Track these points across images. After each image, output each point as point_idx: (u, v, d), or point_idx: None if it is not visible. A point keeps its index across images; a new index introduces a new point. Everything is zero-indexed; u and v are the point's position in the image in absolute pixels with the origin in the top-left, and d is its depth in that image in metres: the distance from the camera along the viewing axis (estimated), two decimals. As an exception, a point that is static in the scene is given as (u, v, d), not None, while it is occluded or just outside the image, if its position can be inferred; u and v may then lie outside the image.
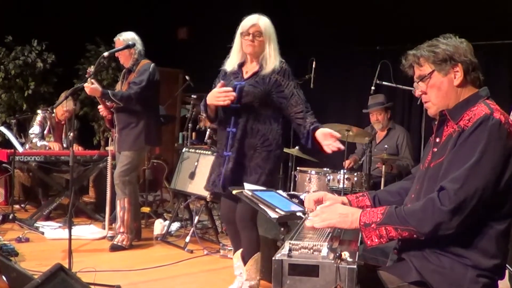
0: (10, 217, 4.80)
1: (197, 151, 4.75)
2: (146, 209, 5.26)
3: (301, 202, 2.15)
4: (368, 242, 1.73)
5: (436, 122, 1.88)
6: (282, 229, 1.97)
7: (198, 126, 5.41)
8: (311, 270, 1.51)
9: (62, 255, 3.88)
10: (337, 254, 1.49)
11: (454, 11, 5.16)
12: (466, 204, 1.62)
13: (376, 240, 1.71)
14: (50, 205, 5.16)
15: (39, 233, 4.61)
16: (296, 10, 6.83)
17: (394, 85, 4.45)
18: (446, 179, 1.68)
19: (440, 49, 1.79)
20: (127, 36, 4.32)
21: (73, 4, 7.14)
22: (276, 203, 2.00)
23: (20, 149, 4.87)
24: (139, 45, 4.38)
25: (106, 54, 3.46)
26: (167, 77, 7.59)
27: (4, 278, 2.61)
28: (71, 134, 3.38)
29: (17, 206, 5.62)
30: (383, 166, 4.56)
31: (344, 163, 4.84)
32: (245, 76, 3.01)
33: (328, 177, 4.69)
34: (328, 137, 2.81)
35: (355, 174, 4.65)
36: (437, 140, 1.85)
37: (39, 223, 4.90)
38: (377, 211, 1.75)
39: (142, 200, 5.45)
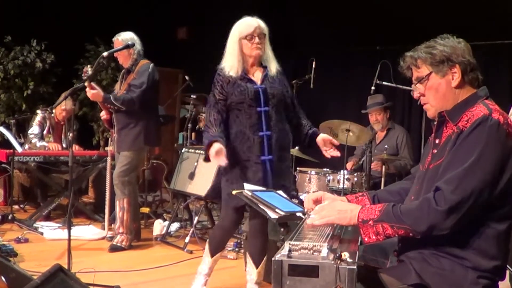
0: (9, 217, 4.80)
1: (196, 151, 4.74)
2: (145, 210, 5.25)
3: (301, 203, 2.14)
4: (366, 239, 1.73)
5: (435, 123, 1.87)
6: (282, 229, 1.96)
7: (197, 126, 5.41)
8: (311, 271, 1.50)
9: (61, 256, 3.87)
10: (337, 255, 1.49)
11: (454, 11, 5.16)
12: (462, 205, 1.62)
13: (374, 237, 1.71)
14: (49, 205, 5.16)
15: (38, 233, 4.60)
16: (295, 10, 6.83)
17: (394, 85, 4.44)
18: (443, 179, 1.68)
19: (437, 50, 1.78)
20: (126, 36, 4.32)
21: (73, 4, 7.14)
22: (276, 203, 1.99)
23: (19, 149, 4.87)
24: (138, 45, 4.37)
25: (105, 54, 3.45)
26: (167, 77, 7.58)
27: (3, 278, 2.60)
28: (71, 134, 3.38)
29: (16, 207, 5.62)
30: (383, 166, 4.56)
31: (346, 164, 4.86)
32: (255, 79, 2.97)
33: (328, 178, 4.69)
34: (327, 143, 3.00)
35: (355, 174, 4.66)
36: (437, 141, 1.85)
37: (38, 224, 4.89)
38: (375, 208, 1.75)
39: (142, 200, 5.44)
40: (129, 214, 4.31)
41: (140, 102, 4.20)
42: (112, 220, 4.63)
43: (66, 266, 2.84)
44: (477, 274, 1.68)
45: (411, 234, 1.68)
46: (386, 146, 4.74)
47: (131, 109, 4.20)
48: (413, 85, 1.89)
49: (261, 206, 1.97)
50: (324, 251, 1.56)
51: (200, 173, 4.54)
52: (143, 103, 4.23)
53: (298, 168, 4.98)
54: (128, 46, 3.97)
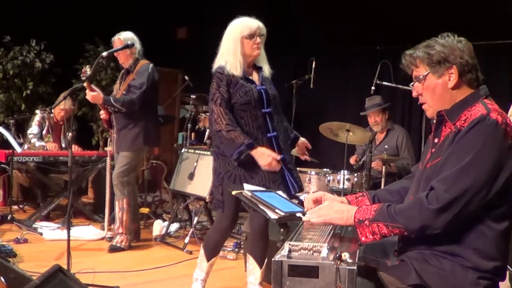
0: (9, 217, 4.79)
1: (196, 151, 4.73)
2: (145, 210, 5.25)
3: (301, 203, 2.14)
4: (363, 239, 1.73)
5: (434, 122, 1.87)
6: (281, 230, 1.95)
7: (197, 126, 5.40)
8: (311, 271, 1.50)
9: (60, 256, 3.87)
10: (337, 255, 1.49)
11: (454, 11, 5.15)
12: (454, 204, 1.62)
13: (370, 236, 1.72)
14: (48, 205, 5.15)
15: (38, 234, 4.60)
16: (295, 10, 6.83)
17: (394, 85, 4.44)
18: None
19: (435, 50, 1.77)
20: (127, 36, 4.32)
21: (72, 4, 7.13)
22: (276, 203, 1.98)
23: (18, 149, 4.86)
24: (138, 45, 4.37)
25: (105, 54, 3.44)
26: (166, 77, 7.58)
27: (2, 279, 2.60)
28: (70, 134, 3.36)
29: (15, 207, 5.61)
30: (383, 166, 4.55)
31: (350, 159, 4.92)
32: (254, 79, 2.95)
33: (328, 178, 4.68)
34: (303, 147, 3.24)
35: (355, 174, 4.65)
36: (436, 140, 1.84)
37: (37, 224, 4.89)
38: (371, 208, 1.76)
39: (141, 200, 5.44)
40: (129, 215, 4.30)
41: (140, 103, 4.19)
42: (112, 220, 4.62)
43: (65, 267, 2.83)
44: (478, 274, 1.67)
45: (405, 233, 1.69)
46: (386, 147, 4.73)
47: (131, 110, 4.20)
48: (411, 84, 1.89)
49: (261, 207, 1.96)
50: (324, 251, 1.55)
51: (199, 173, 4.53)
52: (142, 104, 4.23)
53: (298, 168, 4.95)
54: (128, 46, 3.96)
